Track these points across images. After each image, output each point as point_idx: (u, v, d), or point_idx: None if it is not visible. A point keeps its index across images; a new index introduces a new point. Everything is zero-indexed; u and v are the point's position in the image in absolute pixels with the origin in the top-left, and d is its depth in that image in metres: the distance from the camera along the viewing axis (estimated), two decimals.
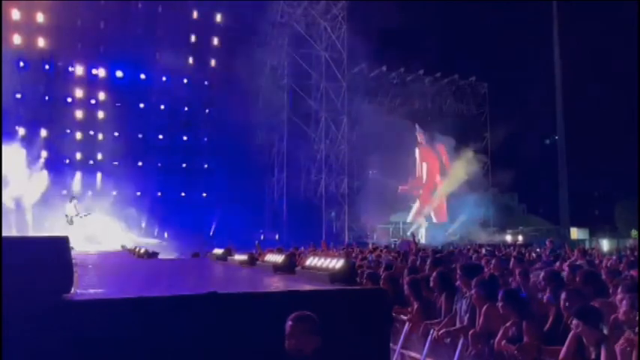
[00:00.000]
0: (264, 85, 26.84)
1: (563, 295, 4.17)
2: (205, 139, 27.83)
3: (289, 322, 3.08)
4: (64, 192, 23.61)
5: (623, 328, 3.70)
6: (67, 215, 15.81)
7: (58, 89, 25.46)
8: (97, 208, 23.15)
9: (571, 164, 33.62)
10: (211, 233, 25.58)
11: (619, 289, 4.35)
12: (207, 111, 27.74)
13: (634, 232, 34.60)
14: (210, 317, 3.23)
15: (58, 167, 24.03)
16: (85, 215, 17.24)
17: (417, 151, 32.84)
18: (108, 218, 22.71)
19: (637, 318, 3.70)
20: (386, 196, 31.11)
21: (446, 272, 6.02)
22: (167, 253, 18.12)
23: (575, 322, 3.75)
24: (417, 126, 32.18)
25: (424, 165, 33.12)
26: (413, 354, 5.87)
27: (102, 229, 22.00)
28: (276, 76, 28.23)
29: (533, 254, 10.01)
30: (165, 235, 25.13)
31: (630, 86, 32.59)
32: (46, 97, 25.38)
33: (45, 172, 22.68)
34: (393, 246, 21.28)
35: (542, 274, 5.68)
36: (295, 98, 28.10)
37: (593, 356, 3.75)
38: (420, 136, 32.53)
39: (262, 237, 24.06)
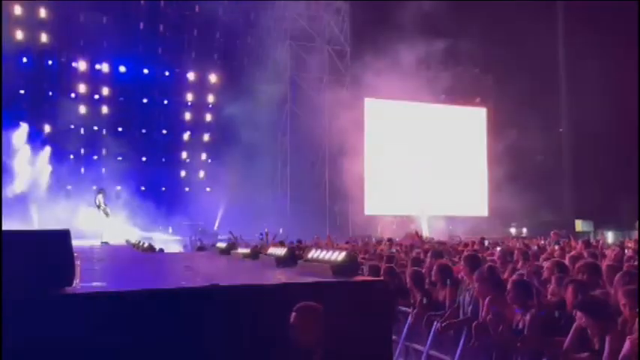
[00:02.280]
0: (266, 79, 26.79)
1: (567, 286, 4.16)
2: (208, 133, 27.87)
3: (293, 313, 3.10)
4: (69, 187, 23.73)
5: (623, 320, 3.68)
6: (99, 207, 16.01)
7: (61, 85, 25.54)
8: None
9: (575, 156, 33.49)
10: (215, 227, 25.66)
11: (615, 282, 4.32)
12: (209, 105, 27.77)
13: (638, 224, 34.45)
14: (212, 309, 3.24)
15: (61, 162, 24.14)
16: (105, 208, 17.26)
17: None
18: (112, 212, 22.80)
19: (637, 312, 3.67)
20: (389, 190, 31.07)
21: (447, 264, 6.02)
22: (171, 247, 18.23)
23: (579, 313, 3.74)
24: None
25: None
26: (416, 346, 5.88)
27: (106, 224, 22.11)
28: (279, 69, 28.16)
29: (534, 247, 9.98)
30: (170, 229, 25.22)
31: (636, 78, 32.38)
32: (50, 93, 25.46)
33: (49, 167, 22.85)
34: (397, 239, 21.27)
35: (547, 264, 5.68)
36: (298, 92, 28.06)
37: (597, 347, 3.74)
38: None
39: (266, 230, 24.08)
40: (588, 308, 3.68)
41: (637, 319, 3.58)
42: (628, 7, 29.71)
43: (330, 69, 28.62)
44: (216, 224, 26.03)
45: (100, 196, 15.74)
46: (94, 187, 19.31)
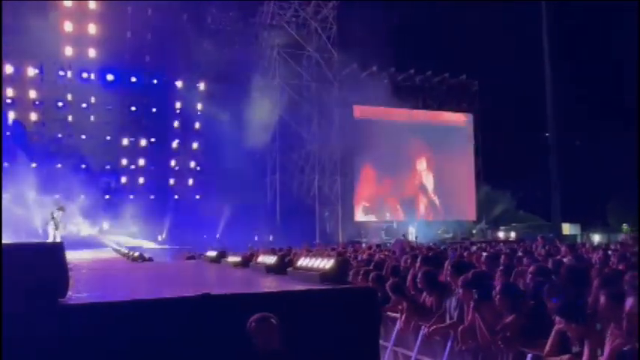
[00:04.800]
0: (255, 86, 26.89)
1: (546, 290, 4.29)
2: (197, 141, 27.84)
3: (252, 324, 3.19)
4: (57, 196, 23.59)
5: (599, 324, 3.78)
6: (54, 219, 15.99)
7: (48, 93, 25.45)
8: (90, 212, 23.23)
9: (562, 160, 33.86)
10: (205, 235, 25.60)
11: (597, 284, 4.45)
12: (198, 113, 27.77)
13: (625, 227, 34.94)
14: (203, 319, 3.31)
15: (49, 171, 24.02)
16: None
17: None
18: (101, 222, 22.76)
19: (619, 312, 3.77)
20: (379, 195, 31.22)
21: (431, 271, 6.12)
22: (161, 255, 18.18)
23: (558, 317, 3.85)
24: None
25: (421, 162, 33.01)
26: (405, 351, 5.98)
27: (96, 233, 22.07)
28: (268, 77, 28.27)
29: (519, 253, 10.11)
30: (159, 237, 25.13)
31: (620, 82, 32.89)
32: (37, 102, 25.36)
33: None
34: (388, 245, 21.37)
35: (530, 269, 5.81)
36: (287, 99, 28.18)
37: (576, 350, 3.85)
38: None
39: (256, 238, 24.11)
40: (566, 312, 3.79)
41: (617, 323, 3.66)
42: (613, 9, 30.17)
43: (319, 76, 28.80)
44: (206, 233, 25.97)
45: (59, 213, 15.71)
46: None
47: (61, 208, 15.99)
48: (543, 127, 35.02)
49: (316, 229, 27.83)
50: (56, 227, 15.69)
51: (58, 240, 15.25)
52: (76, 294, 3.54)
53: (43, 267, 3.17)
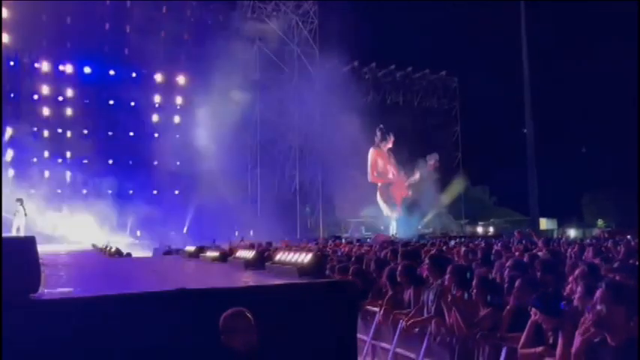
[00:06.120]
0: (235, 80, 26.69)
1: (517, 283, 4.35)
2: (177, 135, 27.54)
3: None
4: (32, 191, 23.18)
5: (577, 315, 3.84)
6: (25, 214, 16.07)
7: (23, 86, 24.95)
8: (66, 207, 22.86)
9: (539, 157, 34.42)
10: (185, 231, 25.40)
11: (573, 276, 4.52)
12: (178, 107, 27.49)
13: (600, 222, 35.72)
14: (179, 313, 3.27)
15: (25, 166, 23.58)
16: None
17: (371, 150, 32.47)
18: (78, 217, 22.43)
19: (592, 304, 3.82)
20: (360, 191, 31.29)
21: (411, 265, 6.16)
22: (139, 251, 17.98)
23: (533, 309, 3.91)
24: (378, 131, 31.62)
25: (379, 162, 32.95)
26: (383, 344, 6.01)
27: (72, 228, 21.72)
28: (248, 71, 28.08)
29: (497, 247, 10.23)
30: (138, 233, 24.85)
31: (597, 79, 33.49)
32: (12, 95, 24.84)
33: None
34: (368, 240, 21.48)
35: (507, 263, 5.89)
36: (268, 93, 28.03)
37: (551, 341, 3.91)
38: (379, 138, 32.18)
39: (237, 233, 23.99)
40: (541, 304, 3.85)
41: (587, 313, 3.71)
42: (591, 9, 30.68)
43: (300, 70, 28.71)
44: (185, 228, 25.76)
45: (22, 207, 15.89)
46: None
47: (19, 200, 16.17)
48: (521, 124, 35.54)
49: (297, 225, 27.81)
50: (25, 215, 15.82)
51: (22, 232, 15.20)
52: (49, 289, 3.47)
53: (15, 262, 3.09)
